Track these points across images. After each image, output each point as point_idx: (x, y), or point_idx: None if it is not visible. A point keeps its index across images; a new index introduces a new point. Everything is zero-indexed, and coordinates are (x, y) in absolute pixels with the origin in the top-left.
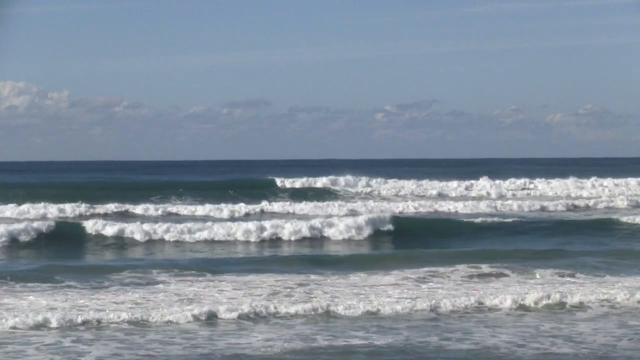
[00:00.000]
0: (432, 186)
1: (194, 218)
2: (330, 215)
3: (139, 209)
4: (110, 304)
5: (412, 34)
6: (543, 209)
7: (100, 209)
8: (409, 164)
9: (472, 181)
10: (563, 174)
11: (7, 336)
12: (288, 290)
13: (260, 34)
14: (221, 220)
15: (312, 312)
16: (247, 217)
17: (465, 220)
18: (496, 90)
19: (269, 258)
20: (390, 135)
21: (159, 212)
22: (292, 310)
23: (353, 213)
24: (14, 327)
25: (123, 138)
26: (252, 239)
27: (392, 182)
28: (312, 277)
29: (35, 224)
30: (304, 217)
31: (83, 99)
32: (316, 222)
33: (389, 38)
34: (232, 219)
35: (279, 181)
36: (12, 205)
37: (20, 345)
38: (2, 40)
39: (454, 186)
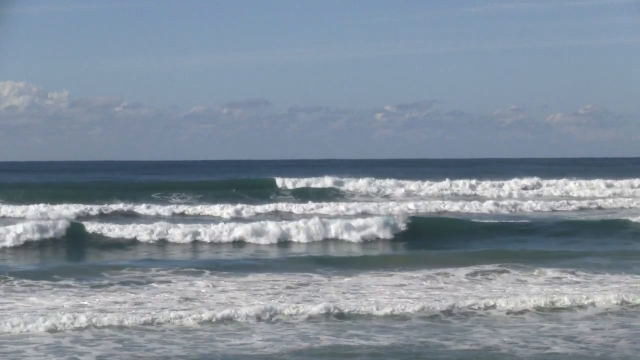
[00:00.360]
0: (438, 186)
1: (196, 218)
2: (337, 216)
3: (142, 209)
4: (112, 304)
5: (412, 34)
6: (552, 209)
7: (103, 209)
8: (409, 164)
9: (478, 181)
10: (563, 174)
11: (5, 336)
12: (294, 290)
13: (260, 34)
14: (226, 220)
15: (320, 313)
16: (251, 217)
17: (472, 220)
18: (496, 90)
19: (275, 259)
20: (390, 135)
21: (163, 212)
22: (301, 310)
23: (360, 213)
24: (25, 332)
25: (123, 138)
26: (255, 239)
27: (397, 182)
28: (318, 277)
29: (38, 224)
30: (310, 217)
31: (83, 99)
32: (322, 222)
33: (389, 38)
34: (236, 219)
35: (283, 181)
36: (13, 205)
37: (18, 345)
38: (2, 40)
39: (459, 186)
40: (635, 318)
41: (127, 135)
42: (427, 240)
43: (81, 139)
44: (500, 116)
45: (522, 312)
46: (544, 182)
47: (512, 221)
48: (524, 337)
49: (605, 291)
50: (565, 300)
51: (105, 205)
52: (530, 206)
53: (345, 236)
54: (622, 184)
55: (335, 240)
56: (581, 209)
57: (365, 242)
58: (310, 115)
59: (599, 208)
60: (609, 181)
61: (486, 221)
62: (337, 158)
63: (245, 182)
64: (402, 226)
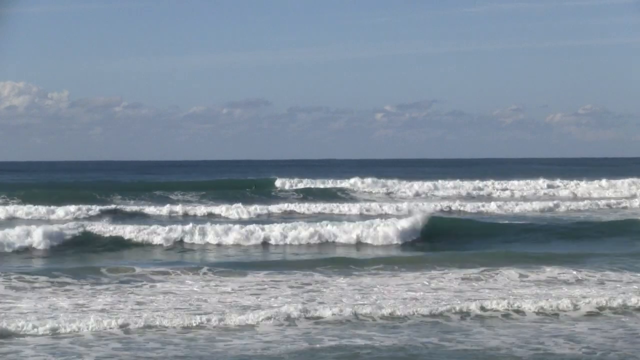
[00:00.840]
0: (444, 186)
1: (199, 218)
2: (345, 216)
3: (144, 209)
4: (112, 304)
5: (412, 34)
6: (561, 208)
7: (104, 209)
8: (409, 164)
9: (484, 181)
10: (565, 174)
11: (5, 336)
12: (298, 290)
13: (260, 34)
14: (232, 220)
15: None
16: (257, 217)
17: (479, 220)
18: (496, 90)
19: (279, 260)
20: (390, 135)
21: (164, 212)
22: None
23: (366, 213)
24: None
25: (123, 138)
26: (261, 240)
27: (402, 182)
28: (322, 277)
29: (38, 225)
30: (316, 217)
31: (83, 99)
32: (330, 223)
33: (389, 38)
34: (241, 220)
35: (283, 182)
36: (14, 205)
37: (16, 345)
38: (2, 40)
39: (465, 186)
40: (635, 318)
41: (127, 135)
42: (431, 241)
43: (81, 139)
44: (500, 116)
45: (522, 312)
46: (551, 182)
47: (523, 222)
48: (524, 338)
49: (606, 291)
50: (566, 300)
51: (106, 205)
52: (539, 206)
53: (353, 236)
54: (628, 183)
55: (349, 243)
56: (588, 209)
57: (373, 242)
58: (310, 115)
59: (614, 208)
60: (614, 181)
61: (493, 222)
62: (337, 158)
63: (250, 182)
64: (410, 226)
